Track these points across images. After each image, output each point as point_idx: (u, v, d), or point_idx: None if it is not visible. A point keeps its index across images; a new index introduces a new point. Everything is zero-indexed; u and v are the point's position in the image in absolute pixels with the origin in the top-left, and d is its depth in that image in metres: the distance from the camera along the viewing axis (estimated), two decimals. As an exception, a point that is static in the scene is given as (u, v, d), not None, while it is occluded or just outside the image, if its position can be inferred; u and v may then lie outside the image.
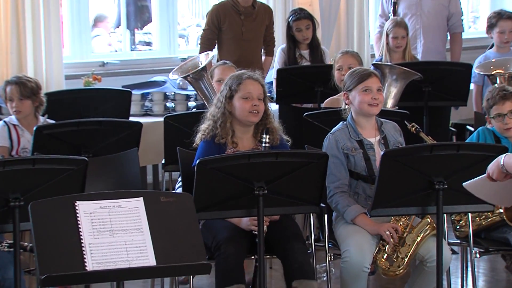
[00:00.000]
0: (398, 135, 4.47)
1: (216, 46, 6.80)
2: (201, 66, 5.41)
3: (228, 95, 4.31)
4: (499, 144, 4.50)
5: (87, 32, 7.30)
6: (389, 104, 5.54)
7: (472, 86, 6.79)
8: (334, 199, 4.29)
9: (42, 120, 5.13)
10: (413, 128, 4.57)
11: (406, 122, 4.59)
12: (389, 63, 5.88)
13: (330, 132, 4.42)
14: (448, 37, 7.53)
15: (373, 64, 5.99)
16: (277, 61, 6.87)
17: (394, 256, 4.17)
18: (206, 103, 5.36)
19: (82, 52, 7.24)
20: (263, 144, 4.22)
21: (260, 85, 4.34)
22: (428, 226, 4.19)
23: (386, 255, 4.18)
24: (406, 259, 4.16)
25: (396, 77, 5.60)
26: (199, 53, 6.26)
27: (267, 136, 4.22)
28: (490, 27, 7.04)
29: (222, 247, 4.03)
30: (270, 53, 7.05)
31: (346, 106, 4.47)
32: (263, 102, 4.32)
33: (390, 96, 5.59)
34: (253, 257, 4.14)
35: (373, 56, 7.68)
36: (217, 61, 6.50)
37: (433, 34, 7.38)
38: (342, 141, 4.35)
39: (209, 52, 5.99)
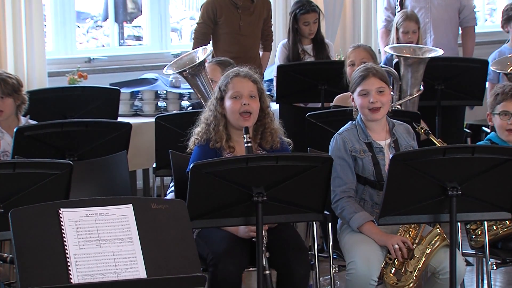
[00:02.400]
0: (411, 138, 4.47)
1: (211, 42, 6.81)
2: (199, 61, 5.41)
3: (219, 96, 4.32)
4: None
5: (71, 26, 7.30)
6: (414, 91, 5.59)
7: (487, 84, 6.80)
8: (339, 205, 4.29)
9: (24, 121, 5.13)
10: (422, 131, 4.58)
11: (414, 124, 4.60)
12: (402, 55, 5.92)
13: (338, 132, 4.43)
14: (460, 32, 7.54)
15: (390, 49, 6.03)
16: (278, 57, 6.88)
17: (403, 270, 4.17)
18: (202, 101, 5.36)
19: (67, 47, 7.25)
20: (245, 145, 4.21)
21: (251, 81, 4.32)
22: (438, 237, 4.18)
23: (394, 269, 4.18)
24: (415, 273, 4.16)
25: (413, 64, 5.66)
26: (193, 49, 6.26)
27: (247, 136, 4.21)
28: (507, 20, 7.04)
29: (221, 262, 4.03)
30: (268, 48, 7.07)
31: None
32: (259, 100, 4.31)
33: (413, 83, 5.64)
34: (253, 268, 4.14)
35: (379, 51, 7.69)
36: (212, 57, 6.51)
37: (444, 28, 7.38)
38: (351, 143, 4.35)
39: (206, 46, 6.00)
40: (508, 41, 7.11)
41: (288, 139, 4.42)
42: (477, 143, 4.86)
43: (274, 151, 4.29)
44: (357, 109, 4.45)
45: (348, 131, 4.41)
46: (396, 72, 5.66)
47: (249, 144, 4.19)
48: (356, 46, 5.82)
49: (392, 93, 5.45)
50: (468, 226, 4.68)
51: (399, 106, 5.59)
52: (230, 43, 6.75)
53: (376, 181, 4.32)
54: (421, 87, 5.72)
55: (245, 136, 4.21)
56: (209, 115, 4.34)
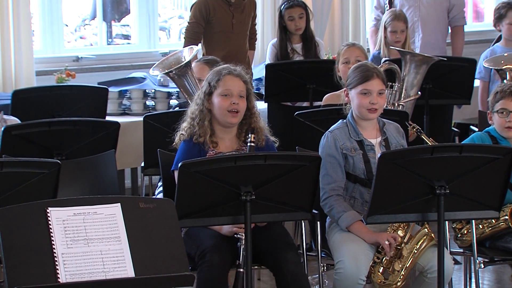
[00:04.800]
0: (401, 137, 4.48)
1: (202, 41, 6.82)
2: (185, 62, 5.40)
3: (207, 91, 4.33)
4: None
5: (59, 24, 7.29)
6: (413, 92, 5.61)
7: (477, 82, 6.82)
8: (328, 203, 4.30)
9: None
10: (414, 130, 4.59)
11: (407, 123, 4.61)
12: (409, 51, 5.95)
13: (329, 130, 4.43)
14: (450, 31, 7.56)
15: (398, 51, 6.03)
16: (268, 56, 6.89)
17: (390, 269, 4.18)
18: (189, 101, 5.36)
19: (54, 46, 7.23)
20: (248, 144, 4.22)
21: (242, 81, 4.34)
22: (426, 237, 4.19)
23: (382, 268, 4.19)
24: (402, 272, 4.16)
25: (419, 62, 5.68)
26: (183, 48, 6.26)
27: (252, 135, 4.23)
28: (499, 18, 7.05)
29: (207, 255, 4.04)
30: (253, 46, 7.10)
31: (347, 105, 4.47)
32: (246, 100, 4.33)
33: (414, 84, 5.67)
34: (236, 267, 4.14)
35: (369, 50, 7.71)
36: (203, 55, 6.50)
37: (432, 27, 7.41)
38: (342, 141, 4.36)
39: (193, 46, 6.01)
40: (499, 40, 7.13)
41: (274, 138, 4.43)
42: (474, 134, 4.87)
43: (260, 149, 4.30)
44: (349, 105, 4.45)
45: (339, 129, 4.41)
46: (399, 70, 5.69)
47: (252, 144, 4.21)
48: (350, 44, 5.82)
49: (391, 90, 5.50)
50: (454, 225, 4.69)
51: (403, 104, 5.62)
52: (223, 42, 6.76)
53: (366, 179, 4.32)
54: (419, 92, 5.75)
55: (249, 136, 4.23)
56: (195, 109, 4.36)
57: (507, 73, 5.83)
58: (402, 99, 5.70)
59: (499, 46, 6.99)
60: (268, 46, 7.01)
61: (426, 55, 5.85)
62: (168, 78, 6.09)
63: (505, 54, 6.29)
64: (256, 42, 7.16)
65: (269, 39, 7.45)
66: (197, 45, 6.64)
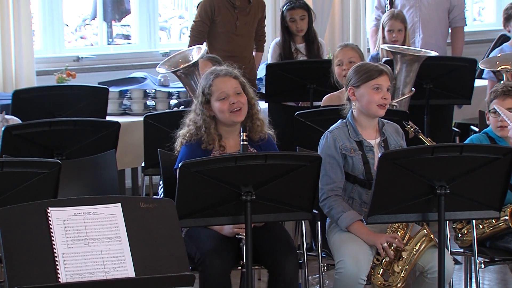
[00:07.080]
0: (400, 138, 4.47)
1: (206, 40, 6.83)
2: (193, 61, 5.41)
3: (204, 100, 4.32)
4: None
5: (60, 24, 7.29)
6: (407, 90, 5.61)
7: (486, 82, 6.83)
8: (327, 203, 4.29)
9: (0, 117, 5.09)
10: (412, 129, 4.59)
11: (404, 123, 4.60)
12: (400, 48, 5.94)
13: (328, 130, 4.43)
14: (450, 31, 7.56)
15: (387, 50, 6.02)
16: (270, 55, 6.90)
17: (390, 271, 4.17)
18: (194, 100, 5.36)
19: (55, 46, 7.23)
20: (241, 143, 4.21)
21: (232, 78, 4.33)
22: (424, 238, 4.18)
23: (381, 270, 4.19)
24: (402, 274, 4.16)
25: (409, 61, 5.67)
26: (188, 47, 6.26)
27: (244, 134, 4.22)
28: (507, 19, 7.05)
29: (207, 260, 4.03)
30: (260, 48, 7.12)
31: (353, 104, 4.43)
32: (244, 93, 4.32)
33: (407, 82, 5.66)
34: (240, 268, 4.14)
35: (369, 51, 7.71)
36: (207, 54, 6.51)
37: (432, 27, 7.40)
38: (341, 141, 4.35)
39: (201, 46, 6.02)
40: (507, 39, 7.13)
41: (272, 132, 4.42)
42: (473, 135, 4.87)
43: (262, 145, 4.32)
44: (349, 106, 4.44)
45: (339, 129, 4.41)
46: (391, 71, 5.69)
47: (245, 143, 4.21)
48: (343, 45, 5.81)
49: None
50: (454, 226, 4.69)
51: (396, 104, 5.61)
52: (226, 42, 6.78)
53: (365, 180, 4.32)
54: (413, 89, 5.74)
55: (242, 134, 4.22)
56: (197, 119, 4.34)
57: (504, 74, 5.83)
58: (394, 99, 5.70)
59: (508, 46, 6.98)
60: (270, 45, 7.01)
61: (415, 53, 5.83)
62: (169, 78, 6.10)
63: (499, 55, 6.27)
64: (264, 44, 7.16)
65: (269, 39, 7.45)
66: (202, 43, 6.66)
